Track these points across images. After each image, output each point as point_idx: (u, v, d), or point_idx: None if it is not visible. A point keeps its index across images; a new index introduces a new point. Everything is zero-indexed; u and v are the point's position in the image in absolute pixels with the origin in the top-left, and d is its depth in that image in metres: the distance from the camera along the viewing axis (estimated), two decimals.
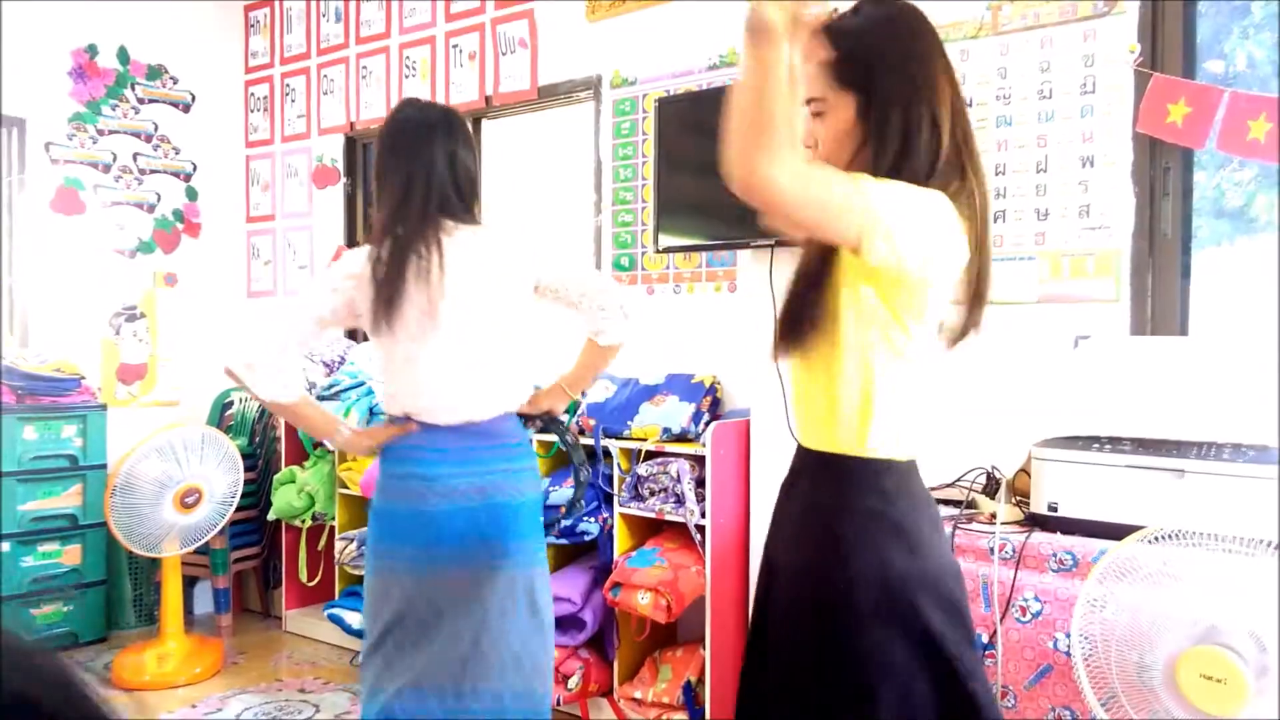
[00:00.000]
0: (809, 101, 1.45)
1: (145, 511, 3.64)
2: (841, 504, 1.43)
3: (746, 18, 1.23)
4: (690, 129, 3.31)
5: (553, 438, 3.33)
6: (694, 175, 3.33)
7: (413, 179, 2.08)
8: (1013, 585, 2.11)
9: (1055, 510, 2.17)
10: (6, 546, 3.84)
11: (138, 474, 3.63)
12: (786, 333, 1.47)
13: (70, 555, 3.99)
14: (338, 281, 2.07)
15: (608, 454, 3.17)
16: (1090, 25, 2.67)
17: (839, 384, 1.43)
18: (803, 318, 1.44)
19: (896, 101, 1.42)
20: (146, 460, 3.65)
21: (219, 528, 3.83)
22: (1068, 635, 2.02)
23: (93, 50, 4.44)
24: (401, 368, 2.08)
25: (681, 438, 3.07)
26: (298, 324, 2.07)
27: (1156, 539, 1.81)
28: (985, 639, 2.15)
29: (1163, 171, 2.63)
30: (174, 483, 3.65)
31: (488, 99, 4.02)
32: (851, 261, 1.38)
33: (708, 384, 3.20)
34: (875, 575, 1.39)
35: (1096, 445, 2.18)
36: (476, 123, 4.16)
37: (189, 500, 3.67)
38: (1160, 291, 2.64)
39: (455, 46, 4.13)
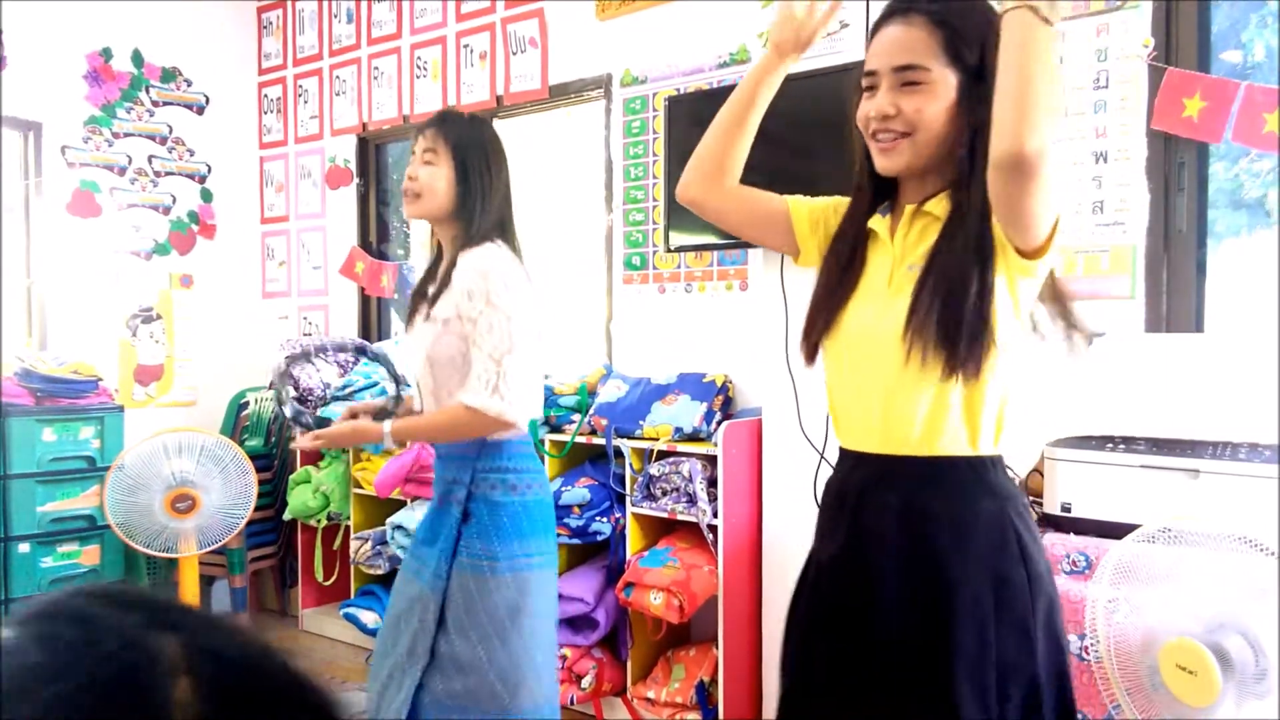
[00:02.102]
0: (904, 69, 1.33)
1: (140, 512, 3.68)
2: (1007, 503, 1.39)
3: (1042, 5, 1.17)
4: (701, 127, 3.29)
5: (564, 438, 3.33)
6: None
7: None
8: None
9: (1069, 511, 2.15)
10: (26, 547, 3.87)
11: (132, 474, 3.66)
12: (951, 350, 1.30)
13: (89, 556, 4.02)
14: None
15: (619, 454, 3.17)
16: (1103, 19, 2.64)
17: (985, 386, 1.35)
18: (976, 332, 1.30)
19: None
20: (140, 461, 3.68)
21: (235, 531, 3.85)
22: (1080, 638, 2.01)
23: (107, 54, 4.46)
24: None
25: (693, 437, 3.07)
26: None
27: (1153, 538, 1.79)
28: None
29: (1177, 166, 2.60)
30: (164, 487, 3.67)
31: (498, 99, 4.02)
32: (1013, 255, 1.31)
33: (719, 383, 3.19)
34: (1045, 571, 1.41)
35: (1110, 445, 2.17)
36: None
37: (180, 505, 3.68)
38: (1176, 288, 2.61)
39: (466, 46, 4.13)
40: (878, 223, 1.44)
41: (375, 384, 3.93)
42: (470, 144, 2.12)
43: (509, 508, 2.05)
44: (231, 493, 3.81)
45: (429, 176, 2.09)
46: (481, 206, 2.10)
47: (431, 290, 2.10)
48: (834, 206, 1.55)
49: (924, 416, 1.35)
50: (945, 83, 1.32)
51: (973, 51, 1.31)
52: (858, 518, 1.41)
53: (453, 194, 2.10)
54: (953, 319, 1.29)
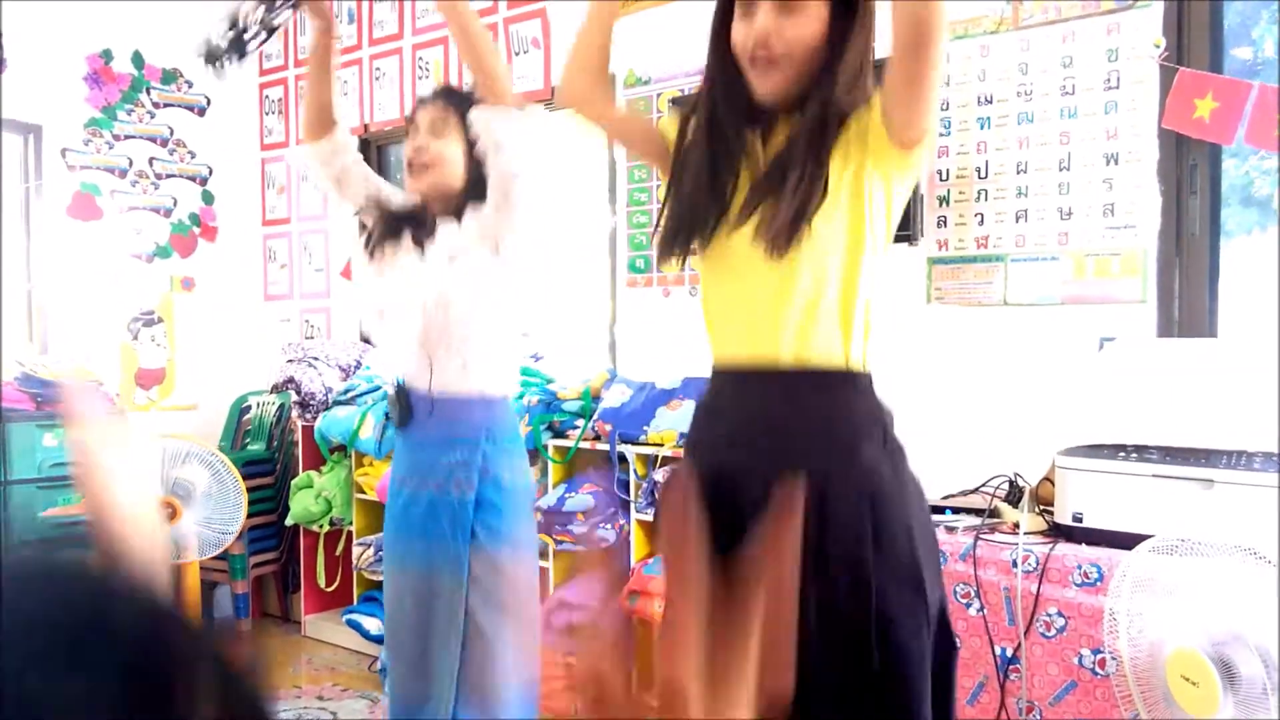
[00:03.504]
0: None
1: None
2: (877, 421, 1.40)
3: None
4: None
5: (567, 443, 3.29)
6: None
7: None
8: (1036, 599, 2.06)
9: (1080, 521, 2.11)
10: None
11: None
12: (767, 232, 1.34)
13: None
14: None
15: (624, 460, 3.13)
16: (1114, 19, 2.60)
17: (838, 288, 1.37)
18: (790, 210, 1.33)
19: (868, 30, 1.40)
20: None
21: (231, 540, 3.80)
22: (1093, 651, 1.97)
23: (107, 55, 4.44)
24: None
25: None
26: None
27: (1162, 550, 1.76)
28: (1009, 653, 2.10)
29: (1189, 168, 2.56)
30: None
31: None
32: (877, 155, 1.36)
33: None
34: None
35: (1122, 454, 2.13)
36: None
37: (163, 513, 3.65)
38: (1188, 291, 2.57)
39: None
40: (750, 142, 1.45)
41: (377, 388, 3.90)
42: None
43: (519, 491, 2.09)
44: (218, 501, 3.76)
45: (441, 148, 2.00)
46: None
47: (438, 233, 2.02)
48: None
49: (793, 326, 1.37)
50: (819, 8, 1.36)
51: None
52: (732, 431, 1.42)
53: (467, 169, 2.02)
54: (791, 212, 1.33)
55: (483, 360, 2.04)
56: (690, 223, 1.45)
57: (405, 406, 2.07)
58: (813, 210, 1.33)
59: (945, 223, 2.87)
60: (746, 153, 1.45)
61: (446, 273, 2.00)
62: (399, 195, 2.20)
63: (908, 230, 2.77)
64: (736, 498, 1.33)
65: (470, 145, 2.02)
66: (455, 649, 2.01)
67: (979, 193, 2.81)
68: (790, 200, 1.33)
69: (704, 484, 1.41)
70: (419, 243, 2.05)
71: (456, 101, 2.04)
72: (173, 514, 3.65)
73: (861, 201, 1.37)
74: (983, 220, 2.81)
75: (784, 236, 1.33)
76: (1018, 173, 2.75)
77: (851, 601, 1.30)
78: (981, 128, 2.81)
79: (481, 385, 2.05)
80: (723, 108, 1.45)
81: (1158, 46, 2.53)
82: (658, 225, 1.51)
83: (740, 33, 1.39)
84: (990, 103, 2.79)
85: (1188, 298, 2.57)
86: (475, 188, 2.02)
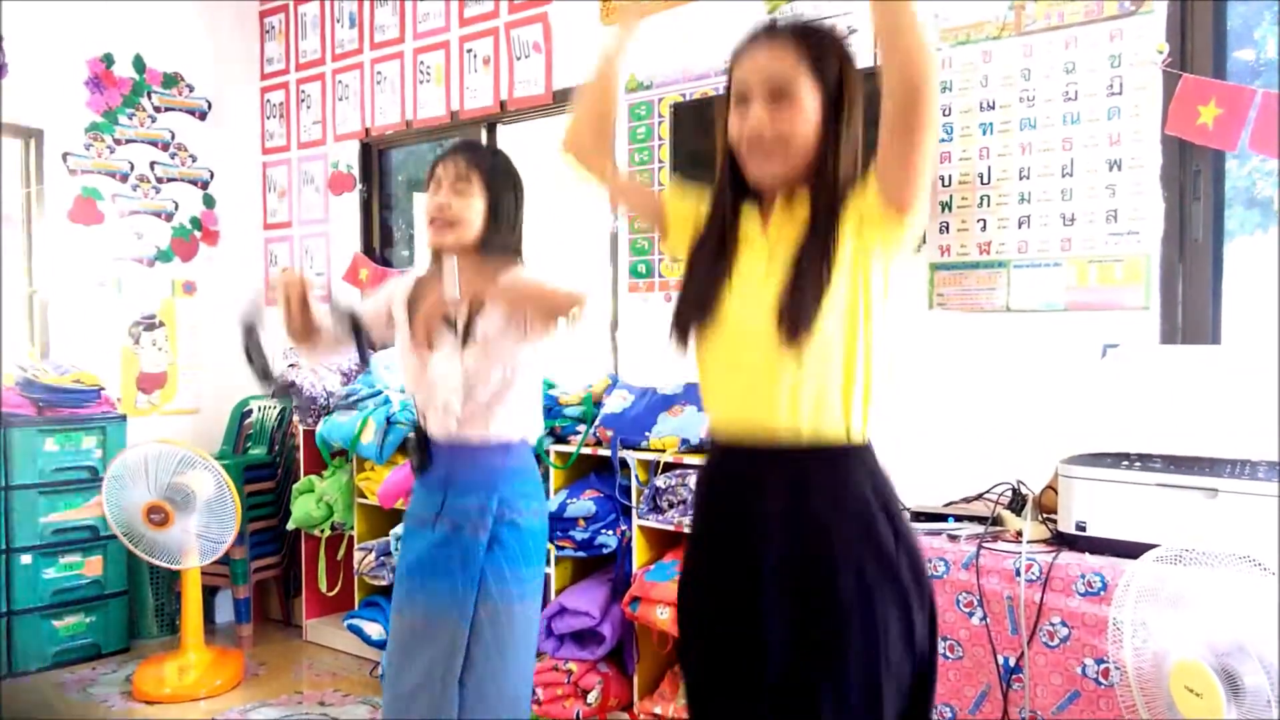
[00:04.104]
0: (775, 88, 1.46)
1: (126, 518, 3.67)
2: (882, 494, 1.47)
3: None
4: (706, 133, 3.26)
5: (569, 449, 3.29)
6: (710, 180, 3.28)
7: None
8: (1039, 608, 2.05)
9: (1084, 529, 2.11)
10: (29, 559, 3.85)
11: (118, 481, 3.65)
12: (788, 320, 1.41)
13: (92, 566, 4.00)
14: None
15: (625, 465, 3.13)
16: (1117, 25, 2.59)
17: (844, 367, 1.44)
18: (810, 300, 1.41)
19: (858, 115, 1.48)
20: (127, 470, 3.66)
21: (226, 546, 3.78)
22: (1097, 661, 1.97)
23: (109, 59, 4.44)
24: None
25: (700, 449, 3.02)
26: None
27: (1166, 559, 1.76)
28: (1012, 663, 2.09)
29: (1193, 174, 2.55)
30: (142, 498, 3.64)
31: (502, 104, 3.98)
32: (872, 229, 1.44)
33: None
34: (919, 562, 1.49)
35: (1126, 462, 2.12)
36: (491, 128, 4.12)
37: (155, 518, 3.64)
38: (1191, 298, 2.56)
39: (469, 51, 4.09)
40: (749, 217, 1.54)
41: (378, 392, 3.90)
42: (502, 175, 2.12)
43: (532, 532, 2.09)
44: (215, 507, 3.75)
45: (462, 207, 2.06)
46: (508, 239, 2.11)
47: (460, 316, 2.06)
48: (701, 197, 1.65)
49: (799, 401, 1.44)
50: (811, 100, 1.45)
51: (832, 73, 1.47)
52: (743, 504, 1.49)
53: (485, 226, 2.08)
54: (811, 301, 1.42)
55: (503, 413, 2.06)
56: (700, 300, 1.54)
57: (424, 453, 2.10)
58: (826, 297, 1.42)
59: (948, 228, 2.86)
60: (745, 231, 1.54)
61: (473, 364, 2.05)
62: (404, 282, 2.23)
63: None
64: (751, 565, 1.46)
65: (491, 201, 2.08)
66: (453, 693, 1.99)
67: (981, 198, 2.81)
68: (811, 289, 1.41)
69: (716, 554, 1.53)
70: (467, 325, 2.08)
71: (478, 159, 2.11)
72: (165, 520, 3.64)
73: (861, 280, 1.45)
74: (985, 226, 2.80)
75: (805, 324, 1.40)
76: (1020, 178, 2.74)
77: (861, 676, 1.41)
78: (984, 133, 2.80)
79: (500, 433, 2.07)
80: (724, 195, 1.57)
81: (1161, 52, 2.52)
82: (675, 304, 1.60)
83: (735, 125, 1.50)
84: (993, 108, 2.78)
85: (1191, 304, 2.56)
86: (491, 240, 2.08)
